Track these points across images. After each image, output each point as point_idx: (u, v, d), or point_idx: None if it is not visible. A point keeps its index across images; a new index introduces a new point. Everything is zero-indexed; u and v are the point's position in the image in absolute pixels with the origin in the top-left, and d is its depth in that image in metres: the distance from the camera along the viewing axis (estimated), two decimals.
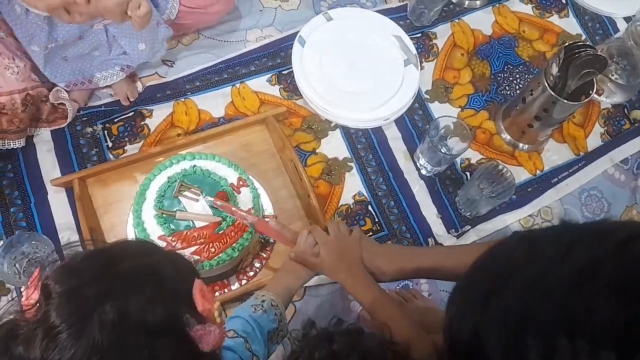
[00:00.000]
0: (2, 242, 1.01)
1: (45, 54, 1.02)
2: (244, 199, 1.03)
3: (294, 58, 1.22)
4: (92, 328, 0.47)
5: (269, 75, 1.25)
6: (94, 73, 1.10)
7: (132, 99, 1.17)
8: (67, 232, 1.05)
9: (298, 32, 1.25)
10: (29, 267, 0.98)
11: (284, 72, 1.25)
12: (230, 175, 1.04)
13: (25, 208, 1.06)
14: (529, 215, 1.19)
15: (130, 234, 1.05)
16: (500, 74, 1.32)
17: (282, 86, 1.24)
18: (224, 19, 1.28)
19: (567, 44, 1.10)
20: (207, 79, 1.22)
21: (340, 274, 0.88)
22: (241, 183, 1.04)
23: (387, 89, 1.22)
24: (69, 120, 1.12)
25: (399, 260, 0.89)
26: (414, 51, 1.26)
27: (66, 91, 1.10)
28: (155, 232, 0.97)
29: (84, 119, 1.15)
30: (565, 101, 1.09)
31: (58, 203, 1.07)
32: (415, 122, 1.25)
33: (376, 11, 1.33)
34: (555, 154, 1.27)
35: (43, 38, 0.99)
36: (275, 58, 1.26)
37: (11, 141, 1.04)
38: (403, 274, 0.90)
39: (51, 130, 1.12)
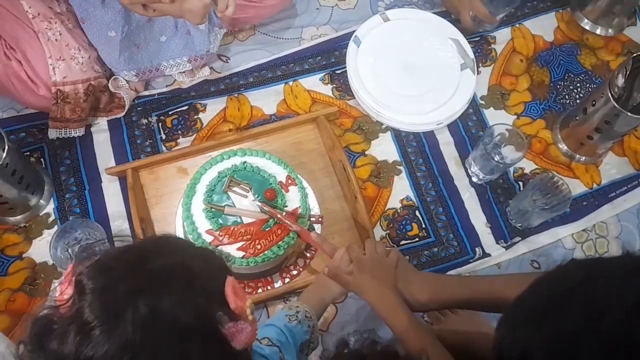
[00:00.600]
0: (56, 226, 1.04)
1: (121, 39, 1.04)
2: (292, 197, 1.03)
3: (349, 58, 1.21)
4: (125, 325, 0.47)
5: (322, 74, 1.24)
6: (161, 61, 1.12)
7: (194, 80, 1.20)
8: (118, 220, 1.07)
9: (354, 31, 1.24)
10: (80, 252, 1.01)
11: (337, 72, 1.25)
12: (280, 173, 1.05)
13: (79, 195, 1.09)
14: (583, 230, 1.15)
15: (179, 227, 1.06)
16: (560, 82, 1.28)
17: (334, 85, 1.23)
18: (280, 16, 1.28)
19: (635, 54, 1.05)
20: (261, 76, 1.23)
21: (370, 295, 0.87)
22: (290, 181, 1.04)
23: (442, 93, 1.20)
24: (126, 109, 1.15)
25: (435, 289, 0.87)
26: (472, 55, 1.23)
27: (126, 81, 1.13)
28: (203, 226, 0.98)
29: (139, 109, 1.17)
30: (629, 114, 1.04)
31: (111, 192, 1.10)
32: (469, 128, 1.22)
33: (434, 13, 1.30)
34: (614, 167, 1.21)
35: (120, 22, 1.01)
36: (329, 57, 1.26)
37: (72, 130, 1.07)
38: (438, 303, 0.88)
39: (108, 121, 1.15)
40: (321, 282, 0.94)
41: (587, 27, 1.32)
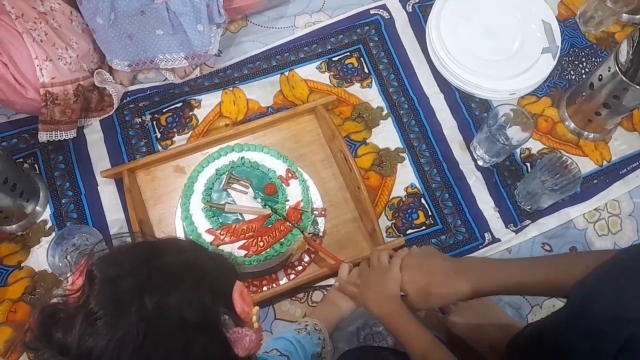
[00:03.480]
0: (54, 233, 1.02)
1: (108, 29, 1.01)
2: (293, 191, 1.00)
3: (435, 7, 1.21)
4: (129, 318, 0.47)
5: (319, 62, 1.21)
6: (156, 54, 1.09)
7: (185, 78, 1.17)
8: (117, 223, 1.05)
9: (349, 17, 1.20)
10: (79, 259, 0.99)
11: (334, 59, 1.21)
12: (279, 167, 1.02)
13: (76, 199, 1.07)
14: (595, 209, 1.12)
15: (179, 227, 1.04)
16: (564, 57, 1.23)
17: (332, 73, 1.20)
18: (272, 4, 1.24)
19: None
20: (256, 67, 1.20)
21: (375, 310, 0.85)
22: (290, 175, 1.01)
23: (512, 68, 1.17)
24: (115, 106, 1.12)
25: (477, 279, 0.81)
26: (559, 43, 1.19)
27: (110, 75, 1.11)
28: (203, 226, 0.96)
29: (131, 106, 1.14)
30: (638, 87, 1.00)
31: (108, 194, 1.07)
32: (472, 110, 1.18)
33: None
34: (624, 143, 1.18)
35: (107, 8, 0.98)
36: (325, 44, 1.22)
37: (63, 132, 1.05)
38: (481, 293, 0.82)
39: (101, 121, 1.12)
40: (329, 299, 0.95)
41: None
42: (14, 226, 1.03)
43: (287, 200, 0.99)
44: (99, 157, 1.10)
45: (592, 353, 0.61)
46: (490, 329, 0.95)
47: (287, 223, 0.97)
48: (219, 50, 1.20)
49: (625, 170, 1.15)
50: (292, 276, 1.03)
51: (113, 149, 1.11)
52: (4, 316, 0.98)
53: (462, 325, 0.96)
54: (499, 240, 1.08)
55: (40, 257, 1.01)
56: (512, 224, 1.10)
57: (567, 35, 1.25)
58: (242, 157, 1.02)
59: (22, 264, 1.02)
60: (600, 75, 1.06)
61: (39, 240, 1.03)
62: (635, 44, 1.00)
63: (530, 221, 1.10)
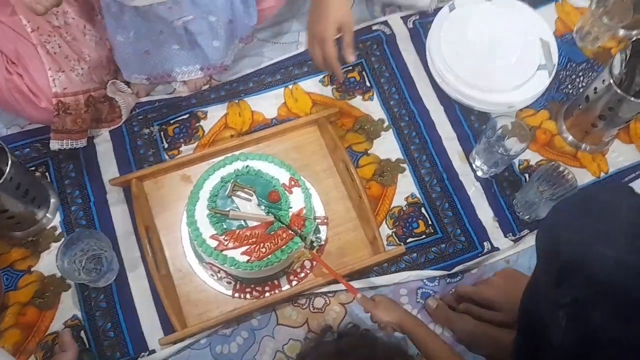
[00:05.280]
0: (63, 239, 1.05)
1: (128, 46, 1.05)
2: (296, 199, 1.03)
3: (435, 23, 1.24)
4: None
5: (322, 75, 1.24)
6: (173, 67, 1.13)
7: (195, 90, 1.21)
8: (124, 229, 1.08)
9: None
10: (87, 263, 1.01)
11: None
12: (282, 176, 1.05)
13: (85, 207, 1.10)
14: None
15: (184, 234, 1.06)
16: (562, 72, 1.26)
17: (334, 86, 1.23)
18: (277, 20, 1.28)
19: (634, 38, 1.04)
20: (261, 81, 1.23)
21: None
22: (293, 183, 1.04)
23: (510, 82, 1.20)
24: (124, 117, 1.16)
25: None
26: (555, 62, 1.22)
27: (127, 85, 1.15)
28: (207, 232, 0.99)
29: (140, 117, 1.18)
30: (632, 99, 1.02)
31: (116, 202, 1.10)
32: (472, 122, 1.21)
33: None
34: (621, 155, 1.20)
35: (128, 27, 1.02)
36: None
37: (74, 141, 1.08)
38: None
39: (110, 132, 1.16)
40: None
41: None
42: (25, 231, 1.06)
43: (290, 208, 1.02)
44: (108, 166, 1.13)
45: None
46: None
47: (290, 231, 1.00)
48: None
49: (622, 181, 1.17)
50: (294, 282, 1.05)
51: (122, 158, 1.14)
52: (14, 319, 1.00)
53: (466, 330, 0.99)
54: (497, 249, 1.10)
55: (49, 262, 1.04)
56: (510, 234, 1.12)
57: (564, 51, 1.28)
58: (247, 166, 1.05)
59: (32, 269, 1.04)
60: (596, 87, 1.09)
61: (49, 246, 1.06)
62: (628, 57, 1.03)
63: (528, 231, 1.12)
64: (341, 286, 1.04)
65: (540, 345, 0.66)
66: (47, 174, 1.13)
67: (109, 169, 1.13)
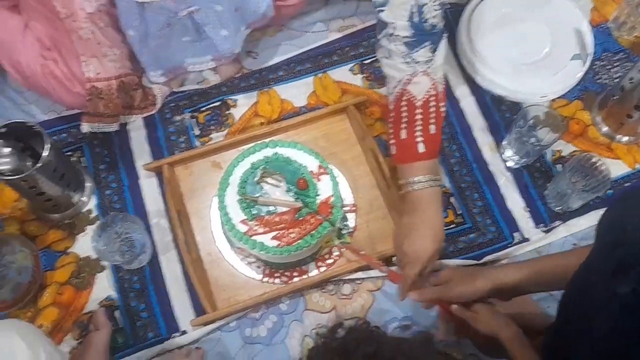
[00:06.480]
0: (98, 222, 1.08)
1: (139, 41, 1.07)
2: (324, 186, 1.04)
3: (467, 12, 1.24)
4: None
5: (352, 64, 1.24)
6: (184, 59, 1.14)
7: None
8: (156, 213, 1.10)
9: None
10: (121, 246, 1.04)
11: (365, 62, 1.25)
12: (311, 163, 1.05)
13: (119, 191, 1.13)
14: None
15: (214, 219, 1.08)
16: (597, 62, 1.24)
17: (364, 75, 1.23)
18: (307, 10, 1.29)
19: None
20: (290, 69, 1.24)
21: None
22: (321, 171, 1.05)
23: (543, 71, 1.19)
24: (157, 106, 1.18)
25: (495, 279, 0.85)
26: (590, 51, 1.21)
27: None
28: (237, 217, 1.00)
29: (172, 105, 1.20)
30: None
31: (148, 187, 1.13)
32: (503, 112, 1.20)
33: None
34: None
35: (136, 21, 1.03)
36: (357, 47, 1.26)
37: (106, 125, 1.11)
38: (501, 292, 0.86)
39: (143, 118, 1.18)
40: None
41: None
42: (62, 214, 1.09)
43: (318, 195, 1.03)
44: (141, 151, 1.16)
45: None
46: (532, 320, 0.95)
47: (318, 216, 1.00)
48: (255, 53, 1.26)
49: None
50: (322, 268, 1.06)
51: (154, 144, 1.16)
52: (52, 298, 1.03)
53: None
54: (528, 240, 1.09)
55: (85, 244, 1.07)
56: (542, 224, 1.10)
57: (599, 40, 1.26)
58: (276, 153, 1.06)
59: (69, 250, 1.07)
60: (632, 77, 1.07)
61: (84, 229, 1.09)
62: None
63: (560, 222, 1.10)
64: (369, 273, 1.05)
65: (578, 333, 0.65)
66: (82, 158, 1.16)
67: (142, 154, 1.15)
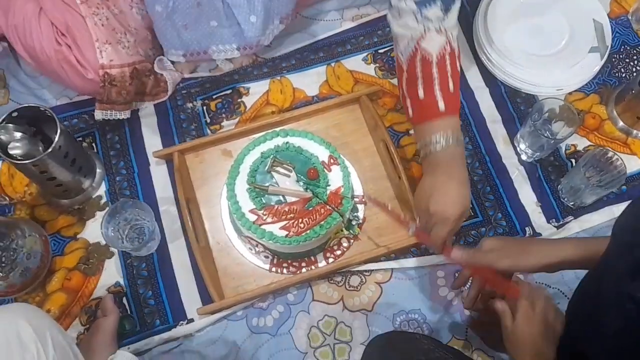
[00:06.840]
0: (108, 208, 1.08)
1: (166, 17, 1.05)
2: (334, 176, 1.03)
3: (484, 1, 1.21)
4: None
5: (365, 54, 1.23)
6: (210, 45, 1.13)
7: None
8: (166, 201, 1.10)
9: None
10: (130, 232, 1.04)
11: (379, 51, 1.23)
12: (322, 153, 1.05)
13: (129, 177, 1.13)
14: None
15: (224, 207, 1.08)
16: (615, 55, 1.22)
17: (377, 65, 1.22)
18: None
19: None
20: (303, 58, 1.23)
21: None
22: (332, 161, 1.04)
23: (559, 64, 1.17)
24: (169, 92, 1.17)
25: (544, 254, 0.82)
26: (608, 43, 1.18)
27: (171, 63, 1.15)
28: (247, 206, 1.00)
29: (184, 92, 1.19)
30: None
31: (159, 174, 1.12)
32: (517, 105, 1.18)
33: None
34: None
35: None
36: (372, 37, 1.24)
37: (118, 112, 1.11)
38: (550, 267, 0.83)
39: (154, 105, 1.18)
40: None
41: None
42: (72, 199, 1.09)
43: (328, 185, 1.02)
44: (152, 138, 1.15)
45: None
46: None
47: (328, 206, 1.00)
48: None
49: None
50: (330, 259, 1.05)
51: (165, 131, 1.16)
52: (60, 283, 1.04)
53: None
54: (539, 234, 1.07)
55: (94, 230, 1.07)
56: (554, 219, 1.09)
57: (618, 33, 1.23)
58: (287, 142, 1.05)
59: (78, 236, 1.08)
60: None
61: (94, 214, 1.09)
62: None
63: (572, 217, 1.09)
64: (377, 265, 1.04)
65: (589, 330, 0.64)
66: (93, 144, 1.16)
67: (152, 141, 1.15)
